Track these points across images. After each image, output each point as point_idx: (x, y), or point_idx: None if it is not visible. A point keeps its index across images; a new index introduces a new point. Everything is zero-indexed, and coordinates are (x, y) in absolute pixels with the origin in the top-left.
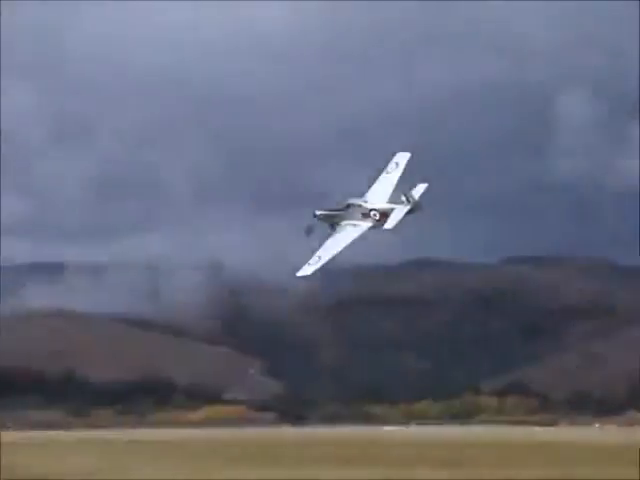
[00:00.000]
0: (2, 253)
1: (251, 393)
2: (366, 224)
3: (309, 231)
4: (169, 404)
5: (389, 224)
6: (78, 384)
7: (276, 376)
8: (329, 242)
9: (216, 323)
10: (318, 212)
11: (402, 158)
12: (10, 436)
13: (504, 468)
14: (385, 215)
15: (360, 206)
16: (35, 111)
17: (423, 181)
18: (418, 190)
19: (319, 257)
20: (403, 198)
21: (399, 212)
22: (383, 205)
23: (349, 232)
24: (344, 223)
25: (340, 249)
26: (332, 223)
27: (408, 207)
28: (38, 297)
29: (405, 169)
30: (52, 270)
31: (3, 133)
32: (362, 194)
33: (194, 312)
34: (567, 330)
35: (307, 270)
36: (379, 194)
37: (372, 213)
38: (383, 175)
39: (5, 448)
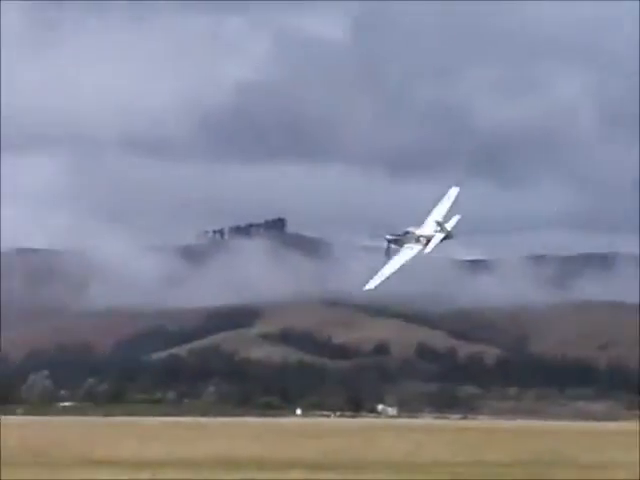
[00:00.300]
0: (555, 244)
1: None
2: (418, 247)
3: (387, 252)
4: None
5: (427, 249)
6: (627, 375)
7: None
8: (392, 261)
9: None
10: (388, 236)
11: (453, 192)
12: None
13: None
14: (430, 240)
15: (413, 233)
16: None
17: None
18: (452, 221)
19: (382, 273)
20: (438, 228)
21: (436, 239)
22: (429, 232)
23: (405, 254)
24: (405, 246)
25: (399, 266)
26: (397, 245)
27: (442, 235)
28: (590, 288)
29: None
30: (605, 261)
31: (551, 127)
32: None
33: None
34: None
35: (372, 284)
36: (430, 223)
37: (421, 239)
38: (438, 206)
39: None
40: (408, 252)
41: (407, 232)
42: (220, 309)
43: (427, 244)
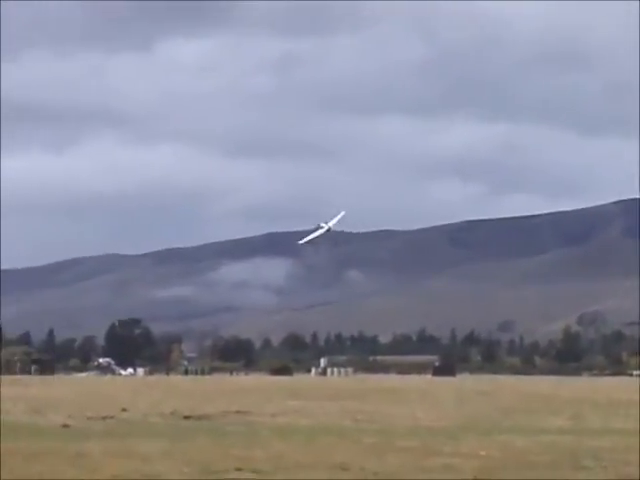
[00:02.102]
0: None
1: None
2: (320, 231)
3: (315, 231)
4: None
5: (320, 233)
6: None
7: None
8: (313, 234)
9: None
10: (315, 225)
11: (341, 214)
12: None
13: None
14: (325, 229)
15: (320, 225)
16: None
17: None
18: (334, 221)
19: (307, 239)
20: (324, 224)
21: (322, 230)
22: (325, 225)
23: (315, 233)
24: (318, 229)
25: (315, 236)
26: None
27: (326, 228)
28: None
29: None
30: None
31: None
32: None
33: None
34: None
35: (304, 240)
36: (330, 223)
37: (322, 227)
38: (334, 219)
39: None
40: (316, 232)
41: (320, 225)
42: None
43: (324, 231)
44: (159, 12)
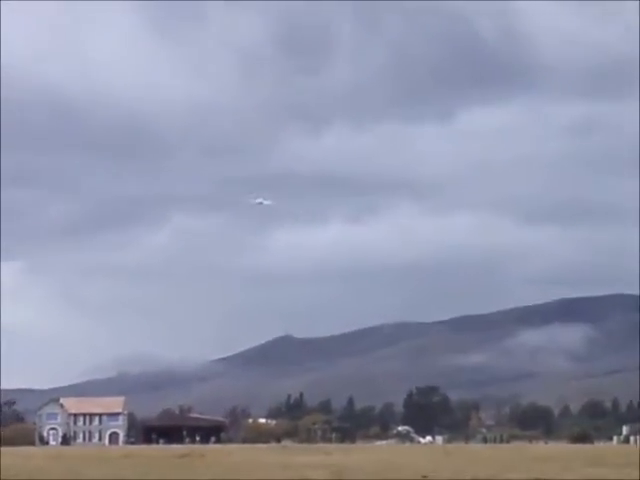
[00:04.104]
0: None
1: None
2: (258, 200)
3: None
4: None
5: (256, 202)
6: None
7: None
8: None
9: None
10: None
11: (268, 201)
12: None
13: None
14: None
15: (254, 199)
16: None
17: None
18: (266, 202)
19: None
20: (261, 201)
21: (258, 202)
22: (260, 200)
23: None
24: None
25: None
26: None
27: (260, 202)
28: None
29: None
30: None
31: None
32: None
33: None
34: None
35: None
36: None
37: (258, 202)
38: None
39: None
40: (254, 201)
41: (256, 198)
42: None
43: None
44: (459, 80)
